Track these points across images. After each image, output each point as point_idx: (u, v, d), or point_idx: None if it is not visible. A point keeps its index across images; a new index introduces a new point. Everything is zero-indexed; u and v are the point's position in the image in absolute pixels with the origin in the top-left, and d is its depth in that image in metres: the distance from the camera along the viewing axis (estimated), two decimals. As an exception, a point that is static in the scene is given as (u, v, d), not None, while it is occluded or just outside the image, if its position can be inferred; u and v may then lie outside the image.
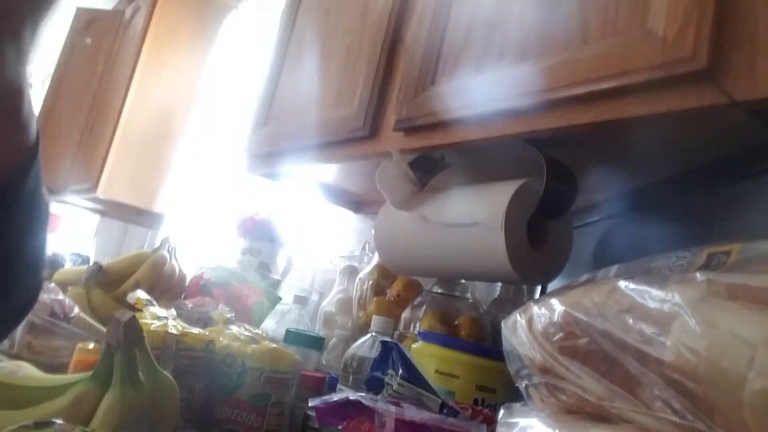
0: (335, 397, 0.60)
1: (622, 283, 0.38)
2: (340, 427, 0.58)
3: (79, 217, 2.86)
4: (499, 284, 0.97)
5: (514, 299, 0.93)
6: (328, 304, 1.23)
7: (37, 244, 0.37)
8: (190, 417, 0.77)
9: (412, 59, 0.77)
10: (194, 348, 0.80)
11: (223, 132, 2.06)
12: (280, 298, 1.35)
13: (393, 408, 0.56)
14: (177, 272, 1.44)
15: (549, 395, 0.43)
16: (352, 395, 0.59)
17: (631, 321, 0.35)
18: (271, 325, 1.27)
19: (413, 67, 0.76)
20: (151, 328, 0.77)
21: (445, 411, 0.63)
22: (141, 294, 0.91)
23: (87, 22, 2.65)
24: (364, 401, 0.57)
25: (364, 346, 0.80)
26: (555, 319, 0.42)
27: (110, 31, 2.52)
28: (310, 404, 0.60)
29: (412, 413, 0.56)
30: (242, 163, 1.18)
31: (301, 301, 1.26)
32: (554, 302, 0.43)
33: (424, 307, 0.91)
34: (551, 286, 0.79)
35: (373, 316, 0.85)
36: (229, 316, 0.95)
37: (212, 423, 0.79)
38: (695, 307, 0.31)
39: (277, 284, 1.46)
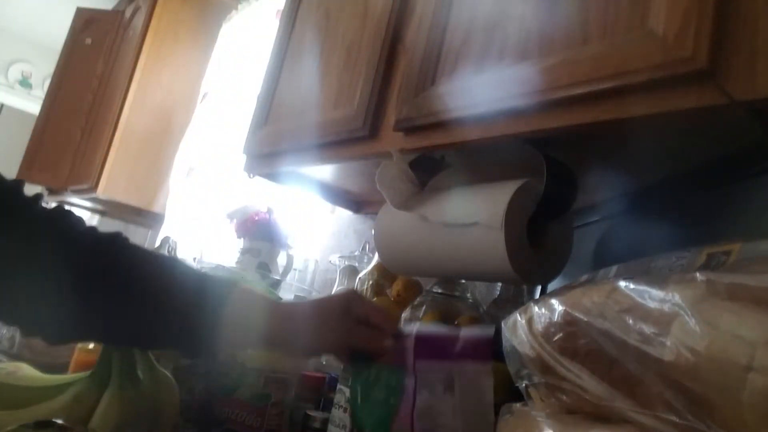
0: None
1: (622, 283, 0.38)
2: None
3: (79, 217, 2.85)
4: (499, 284, 0.97)
5: (514, 299, 0.93)
6: (328, 304, 1.22)
7: None
8: (190, 417, 0.77)
9: (412, 59, 0.76)
10: (194, 348, 0.80)
11: (223, 132, 2.06)
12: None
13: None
14: (177, 272, 1.43)
15: (549, 395, 0.43)
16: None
17: (631, 321, 0.35)
18: (271, 325, 1.27)
19: (413, 67, 0.75)
20: (151, 328, 0.76)
21: None
22: (141, 294, 0.90)
23: (87, 22, 2.65)
24: None
25: (364, 346, 0.80)
26: (555, 319, 0.42)
27: (110, 31, 2.52)
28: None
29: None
30: (242, 163, 1.18)
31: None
32: (554, 302, 0.43)
33: (424, 307, 0.91)
34: (551, 286, 0.79)
35: (373, 316, 0.84)
36: (229, 316, 0.95)
37: (212, 423, 0.79)
38: (695, 307, 0.31)
39: (277, 284, 1.46)
